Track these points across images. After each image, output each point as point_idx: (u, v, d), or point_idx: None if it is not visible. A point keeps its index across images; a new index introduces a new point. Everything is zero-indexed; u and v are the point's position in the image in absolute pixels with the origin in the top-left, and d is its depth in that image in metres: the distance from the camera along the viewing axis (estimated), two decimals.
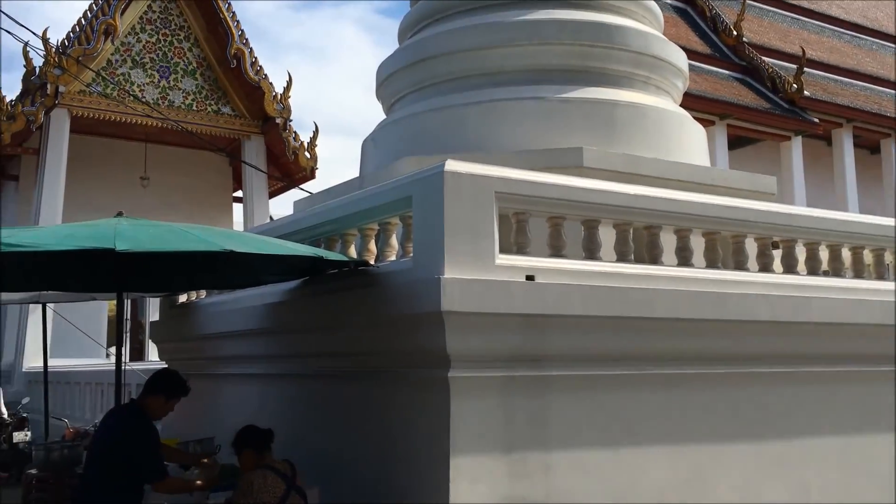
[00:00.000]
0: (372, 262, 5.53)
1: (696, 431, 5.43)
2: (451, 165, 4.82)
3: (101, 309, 19.04)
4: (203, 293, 8.28)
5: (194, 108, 19.21)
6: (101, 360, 16.93)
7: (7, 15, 10.11)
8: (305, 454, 5.84)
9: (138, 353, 19.90)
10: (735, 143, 22.78)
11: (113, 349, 18.49)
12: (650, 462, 5.22)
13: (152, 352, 19.92)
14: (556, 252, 5.26)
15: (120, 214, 4.99)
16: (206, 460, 5.31)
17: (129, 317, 20.64)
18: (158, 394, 4.84)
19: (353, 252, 5.86)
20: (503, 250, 4.94)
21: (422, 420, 4.88)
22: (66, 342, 16.62)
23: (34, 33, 19.89)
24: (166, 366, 5.32)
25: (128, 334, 20.25)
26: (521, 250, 5.11)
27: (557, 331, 4.94)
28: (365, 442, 5.42)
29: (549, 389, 4.98)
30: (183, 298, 8.52)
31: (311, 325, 6.02)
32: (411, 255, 5.05)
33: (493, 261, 4.83)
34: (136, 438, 4.58)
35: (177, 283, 6.92)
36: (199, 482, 4.99)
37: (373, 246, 5.71)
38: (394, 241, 5.53)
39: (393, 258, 5.47)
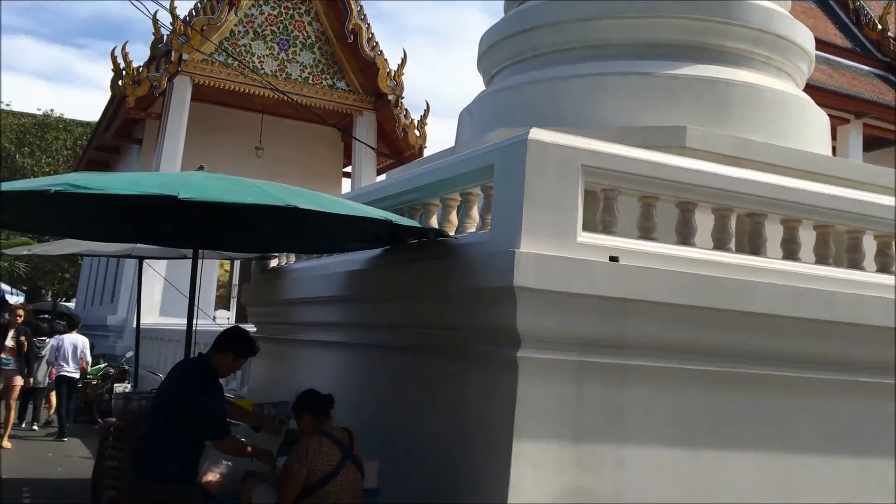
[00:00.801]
0: (452, 233, 5.33)
1: (789, 440, 4.96)
2: (536, 134, 4.54)
3: (211, 272, 19.71)
4: (293, 258, 8.31)
5: (310, 81, 19.49)
6: (208, 321, 17.48)
7: None
8: (370, 426, 5.72)
9: (243, 318, 20.46)
10: (872, 143, 21.26)
11: (218, 313, 19.21)
12: (734, 467, 4.80)
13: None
14: (646, 234, 4.90)
15: (201, 168, 4.94)
16: (269, 423, 5.24)
17: (237, 281, 21.31)
18: (227, 351, 4.79)
19: (434, 222, 5.68)
20: (587, 228, 4.63)
21: (488, 400, 4.65)
22: (177, 303, 17.25)
23: (161, 5, 20.56)
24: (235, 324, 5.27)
25: (235, 299, 20.88)
26: (606, 229, 4.78)
27: (641, 317, 4.59)
28: (429, 418, 5.24)
29: (628, 379, 4.64)
30: (274, 263, 8.59)
31: (386, 295, 5.88)
32: (490, 227, 4.81)
33: (574, 238, 4.53)
34: (200, 393, 4.54)
35: (259, 244, 6.91)
36: (255, 449, 4.90)
37: (454, 217, 5.51)
38: (475, 212, 5.31)
39: (472, 230, 5.24)
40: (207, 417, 4.50)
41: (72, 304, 29.87)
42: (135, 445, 4.98)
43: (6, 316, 11.49)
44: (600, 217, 4.83)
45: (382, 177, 22.78)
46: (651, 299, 4.54)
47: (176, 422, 4.51)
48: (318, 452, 4.45)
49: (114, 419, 6.49)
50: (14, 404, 11.15)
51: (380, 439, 5.61)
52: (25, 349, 11.15)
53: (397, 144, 20.46)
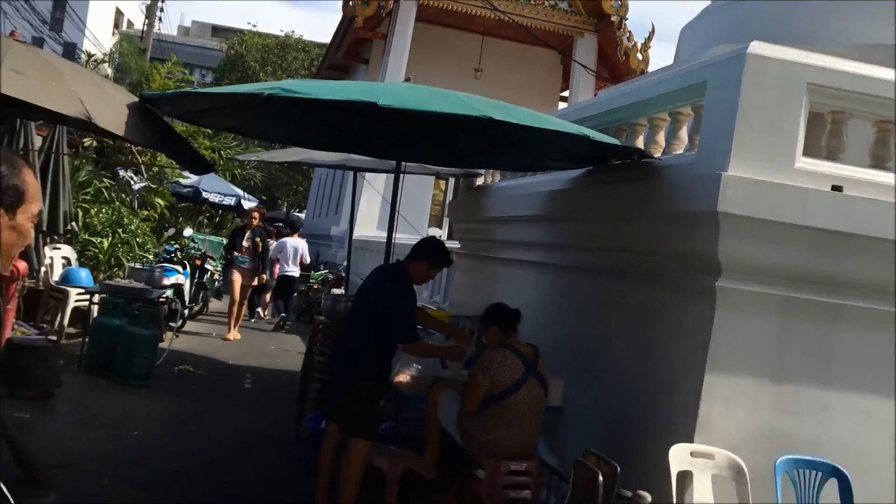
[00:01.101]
0: (657, 154, 5.07)
1: None
2: (757, 48, 4.16)
3: (426, 190, 20.36)
4: (498, 176, 8.35)
5: (532, 2, 19.16)
6: (416, 237, 18.13)
7: None
8: (559, 345, 5.70)
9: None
10: None
11: (431, 230, 19.87)
12: None
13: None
14: (879, 163, 4.38)
15: (408, 80, 5.01)
16: (460, 330, 5.38)
17: (450, 199, 21.84)
18: (423, 260, 4.93)
19: (640, 143, 5.43)
20: (807, 153, 4.22)
21: (681, 330, 4.45)
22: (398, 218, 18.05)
23: None
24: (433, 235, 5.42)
25: (447, 217, 21.44)
26: (831, 155, 4.32)
27: (862, 254, 4.16)
28: (618, 343, 5.12)
29: (840, 320, 4.26)
30: (480, 181, 8.68)
31: (586, 216, 5.75)
32: (697, 148, 4.51)
33: (792, 163, 4.15)
34: (393, 296, 4.72)
35: (461, 159, 6.96)
36: (442, 348, 5.06)
37: (661, 137, 5.23)
38: (683, 133, 5.00)
39: (680, 151, 4.95)
40: (398, 321, 4.67)
41: (302, 215, 32.18)
42: (336, 340, 5.30)
43: (243, 219, 12.52)
44: (825, 142, 4.38)
45: None
46: (876, 235, 4.09)
47: (371, 322, 4.74)
48: (501, 365, 4.50)
49: (323, 318, 6.94)
50: (245, 301, 11.85)
51: (567, 359, 5.58)
52: (260, 249, 11.58)
53: (618, 68, 19.71)
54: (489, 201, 7.99)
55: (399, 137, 5.36)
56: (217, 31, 58.97)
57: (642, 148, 5.20)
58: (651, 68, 19.52)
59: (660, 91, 4.99)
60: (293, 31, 43.96)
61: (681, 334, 4.42)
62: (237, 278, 11.33)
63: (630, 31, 19.14)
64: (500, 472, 4.50)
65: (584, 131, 4.25)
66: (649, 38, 19.41)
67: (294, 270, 13.66)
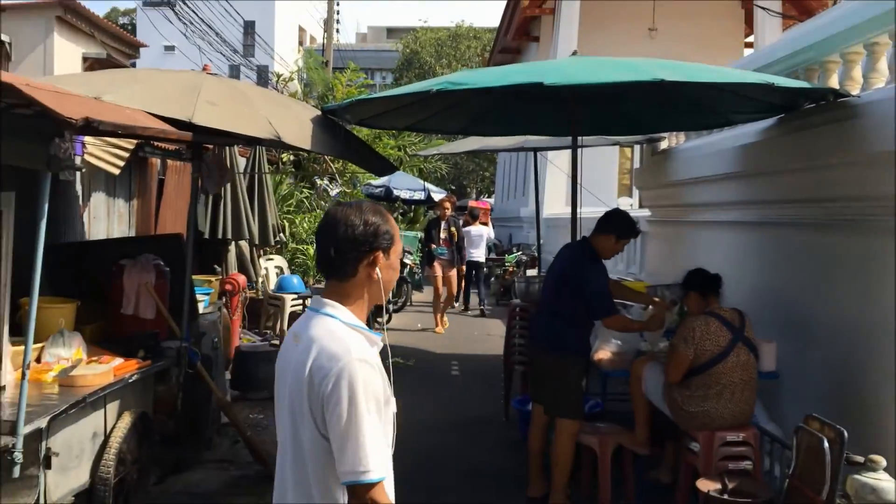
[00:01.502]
0: (855, 92, 4.67)
1: None
2: None
3: (612, 160, 19.94)
4: (682, 138, 8.03)
5: None
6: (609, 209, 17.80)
7: None
8: (766, 307, 5.41)
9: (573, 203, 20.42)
10: None
11: (621, 200, 19.45)
12: None
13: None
14: None
15: (575, 53, 4.94)
16: (657, 299, 5.24)
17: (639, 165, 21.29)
18: (609, 233, 4.85)
19: (833, 82, 5.02)
20: None
21: None
22: (582, 193, 17.86)
23: None
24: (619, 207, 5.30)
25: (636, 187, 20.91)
26: None
27: None
28: (830, 298, 4.77)
29: None
30: (664, 145, 8.38)
31: (781, 168, 5.40)
32: None
33: None
34: (586, 273, 4.69)
35: (638, 125, 6.76)
36: (641, 321, 4.96)
37: (857, 73, 4.81)
38: (882, 64, 4.56)
39: (881, 85, 4.52)
40: (593, 297, 4.63)
41: (491, 200, 32.60)
42: (531, 322, 5.35)
43: (436, 211, 12.73)
44: None
45: None
46: None
47: (566, 301, 4.73)
48: (705, 333, 4.34)
49: (518, 300, 7.02)
50: (453, 292, 11.89)
51: (777, 321, 5.28)
52: (456, 238, 11.62)
53: (807, 4, 18.25)
54: (676, 165, 7.71)
55: (573, 112, 5.29)
56: (392, 32, 60.93)
57: (837, 87, 4.81)
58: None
59: (851, 23, 4.58)
60: (463, 21, 44.57)
61: None
62: (438, 271, 11.45)
63: None
64: (716, 444, 4.36)
65: (766, 79, 4.00)
66: None
67: (479, 256, 13.91)
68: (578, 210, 5.53)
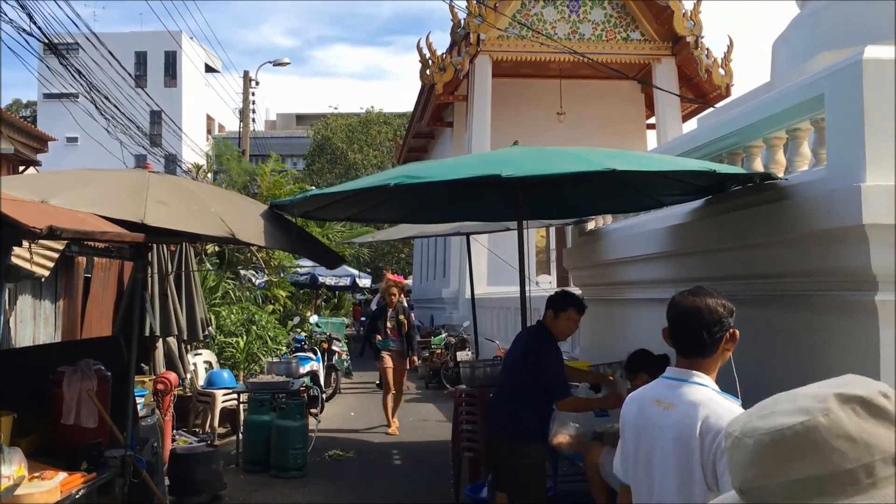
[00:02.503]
0: (780, 174, 4.98)
1: None
2: (873, 52, 4.06)
3: (529, 239, 20.39)
4: (609, 219, 8.32)
5: (604, 38, 19.23)
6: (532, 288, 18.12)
7: None
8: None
9: (564, 281, 20.92)
10: None
11: (540, 278, 19.84)
12: None
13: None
14: None
15: (515, 143, 5.12)
16: (611, 377, 5.33)
17: (554, 246, 21.84)
18: (557, 312, 4.95)
19: (758, 165, 5.35)
20: None
21: (843, 350, 4.29)
22: (500, 273, 18.13)
23: None
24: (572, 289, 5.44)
25: (554, 263, 21.41)
26: None
27: None
28: (777, 371, 4.96)
29: None
30: (591, 226, 8.66)
31: (713, 247, 5.65)
32: (825, 163, 4.41)
33: None
34: (543, 356, 4.75)
35: (577, 209, 7.00)
36: (599, 399, 5.04)
37: (781, 157, 5.14)
38: (805, 148, 4.89)
39: (805, 168, 4.84)
40: (549, 379, 4.69)
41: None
42: (486, 408, 5.35)
43: (378, 300, 11.74)
44: None
45: (689, 123, 21.89)
46: None
47: (523, 384, 4.77)
48: None
49: (464, 386, 7.00)
50: (402, 387, 10.75)
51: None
52: (406, 328, 10.40)
53: (701, 87, 19.46)
54: (605, 244, 7.95)
55: (520, 199, 5.44)
56: (301, 118, 61.43)
57: (762, 170, 5.12)
58: (735, 81, 19.21)
59: (774, 110, 4.91)
60: (373, 107, 45.44)
61: (846, 355, 4.26)
62: (388, 363, 10.28)
63: (708, 49, 18.90)
64: None
65: (708, 166, 4.23)
66: (729, 52, 19.12)
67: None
68: (527, 290, 5.61)
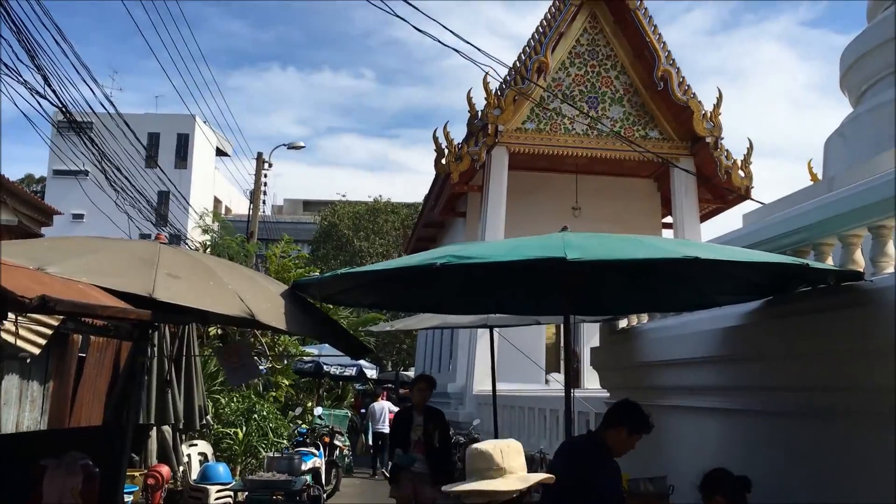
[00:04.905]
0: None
1: None
2: None
3: (539, 337, 19.78)
4: (644, 318, 7.79)
5: (622, 134, 19.13)
6: (541, 386, 17.45)
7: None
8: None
9: (574, 381, 20.20)
10: None
11: (552, 375, 19.14)
12: None
13: (588, 380, 20.15)
14: None
15: (565, 229, 4.65)
16: None
17: (563, 343, 21.22)
18: (619, 426, 4.35)
19: (830, 264, 4.86)
20: None
21: None
22: (510, 368, 17.46)
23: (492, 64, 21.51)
24: (626, 398, 4.85)
25: (562, 362, 20.74)
26: None
27: None
28: (838, 495, 4.33)
29: None
30: (623, 324, 8.13)
31: (777, 353, 5.10)
32: None
33: None
34: (603, 475, 4.13)
35: (623, 306, 6.49)
36: None
37: (859, 256, 4.65)
38: (890, 248, 4.41)
39: (890, 270, 4.35)
40: (605, 501, 4.06)
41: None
42: None
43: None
44: None
45: (707, 224, 21.62)
46: None
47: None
48: None
49: None
50: None
51: None
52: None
53: (719, 188, 19.27)
54: (640, 344, 7.39)
55: (568, 291, 4.93)
56: (308, 205, 61.64)
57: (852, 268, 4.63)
58: (755, 184, 18.99)
59: (854, 205, 4.46)
60: (381, 196, 45.54)
61: None
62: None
63: (728, 150, 18.76)
64: None
65: (799, 261, 3.73)
66: (749, 154, 18.97)
67: (385, 427, 16.07)
68: (572, 393, 5.00)
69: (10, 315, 4.89)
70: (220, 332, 10.94)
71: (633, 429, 4.31)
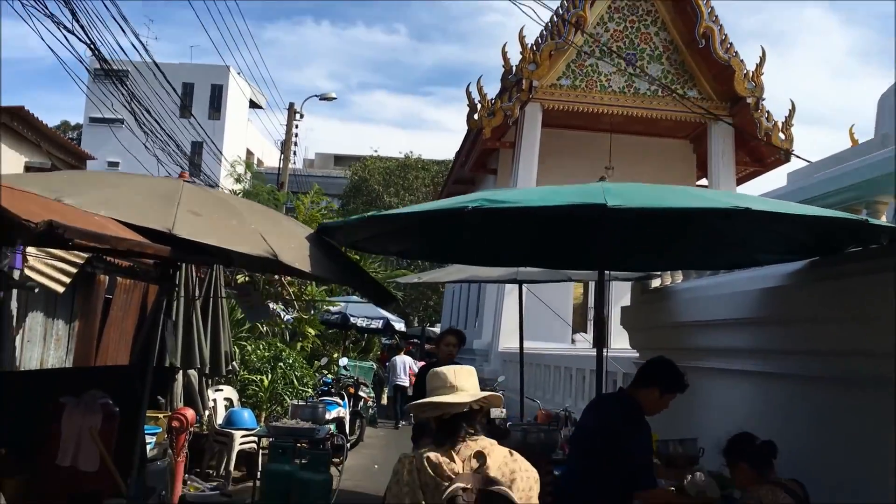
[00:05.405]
0: None
1: None
2: None
3: (567, 296, 19.58)
4: (678, 277, 7.58)
5: (659, 93, 18.65)
6: (567, 345, 17.32)
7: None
8: (809, 475, 4.74)
9: (600, 340, 20.00)
10: None
11: (578, 335, 18.99)
12: None
13: (615, 340, 19.98)
14: None
15: (602, 179, 4.43)
16: (698, 477, 4.49)
17: (592, 304, 21.02)
18: (652, 386, 4.17)
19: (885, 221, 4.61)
20: None
21: None
22: (536, 326, 17.29)
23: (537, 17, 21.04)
24: (660, 355, 4.64)
25: (590, 321, 20.57)
26: None
27: None
28: (880, 468, 4.14)
29: None
30: (656, 283, 7.92)
31: (821, 316, 4.87)
32: None
33: None
34: (632, 434, 3.97)
35: (659, 263, 6.27)
36: (684, 498, 4.23)
37: None
38: None
39: None
40: (639, 463, 3.91)
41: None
42: (552, 485, 4.57)
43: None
44: None
45: (743, 187, 21.12)
46: None
47: (597, 463, 4.00)
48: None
49: None
50: None
51: (810, 490, 4.61)
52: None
53: (759, 151, 18.77)
54: (674, 305, 7.19)
55: (602, 243, 4.73)
56: (339, 160, 61.51)
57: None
58: (795, 146, 18.46)
59: None
60: (411, 153, 45.24)
61: None
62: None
63: (769, 111, 18.21)
64: None
65: (858, 217, 3.50)
66: (790, 116, 18.40)
67: (404, 380, 16.97)
68: (605, 351, 4.82)
69: (31, 249, 4.81)
70: (247, 278, 10.89)
71: (667, 388, 4.13)
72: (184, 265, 7.16)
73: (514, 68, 18.62)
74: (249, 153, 51.81)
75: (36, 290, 4.99)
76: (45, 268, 5.31)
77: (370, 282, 4.89)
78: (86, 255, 5.59)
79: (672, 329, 7.30)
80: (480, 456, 2.68)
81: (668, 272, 7.59)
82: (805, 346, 5.17)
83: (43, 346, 5.95)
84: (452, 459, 2.67)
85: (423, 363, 17.54)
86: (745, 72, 18.10)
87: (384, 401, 19.15)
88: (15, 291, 5.24)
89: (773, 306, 5.42)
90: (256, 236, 3.76)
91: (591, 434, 4.15)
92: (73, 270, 5.54)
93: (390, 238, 5.24)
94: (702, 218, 4.86)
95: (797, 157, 16.55)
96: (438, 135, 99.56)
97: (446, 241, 5.67)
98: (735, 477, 4.03)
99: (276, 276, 11.36)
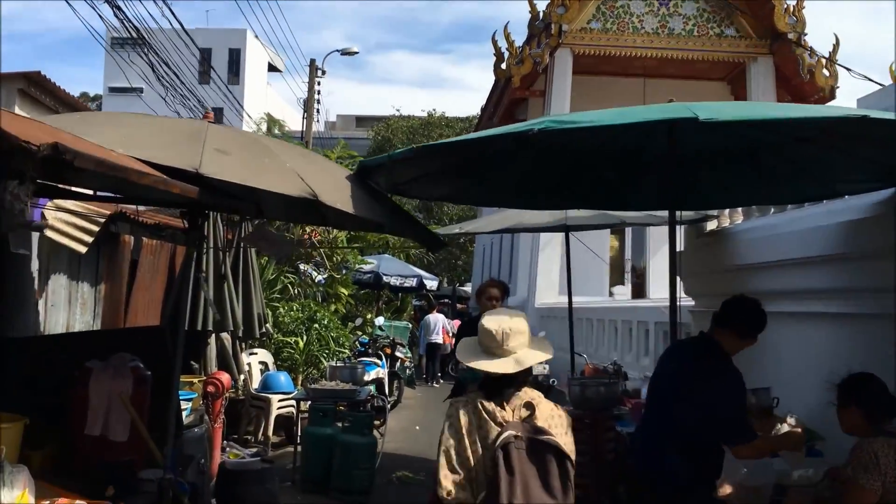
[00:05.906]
0: None
1: None
2: None
3: (603, 249, 19.11)
4: (738, 218, 7.08)
5: (695, 33, 17.87)
6: (605, 298, 16.89)
7: None
8: None
9: (638, 292, 19.57)
10: None
11: (616, 288, 18.51)
12: None
13: (653, 290, 19.45)
14: None
15: (671, 101, 3.94)
16: (790, 422, 4.07)
17: (628, 256, 20.49)
18: (731, 328, 3.73)
19: None
20: None
21: None
22: (573, 280, 16.91)
23: None
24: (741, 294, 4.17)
25: (629, 273, 20.09)
26: None
27: None
28: None
29: None
30: (712, 225, 7.43)
31: None
32: None
33: None
34: (720, 387, 3.54)
35: (728, 198, 5.80)
36: (774, 442, 3.82)
37: None
38: None
39: None
40: (731, 415, 3.48)
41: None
42: (632, 444, 4.17)
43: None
44: None
45: None
46: None
47: (681, 416, 3.58)
48: (892, 460, 3.20)
49: (571, 408, 5.84)
50: None
51: None
52: None
53: (801, 89, 17.93)
54: (733, 247, 6.71)
55: (671, 180, 4.26)
56: (361, 121, 60.92)
57: None
58: (840, 84, 17.65)
59: None
60: (434, 110, 44.54)
61: None
62: None
63: (811, 47, 17.37)
64: None
65: None
66: (834, 51, 17.54)
67: (438, 339, 16.82)
68: (678, 302, 4.35)
69: (50, 208, 4.44)
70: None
71: (748, 330, 3.70)
72: (212, 219, 6.78)
73: (540, 14, 17.93)
74: (271, 118, 51.42)
75: (43, 230, 4.62)
76: (65, 227, 4.96)
77: (416, 225, 4.46)
78: (107, 213, 5.22)
79: (732, 272, 6.83)
80: (530, 406, 2.78)
81: (727, 211, 7.12)
82: (886, 283, 4.69)
83: (69, 309, 5.64)
84: (503, 408, 2.79)
85: (457, 322, 17.28)
86: (785, 6, 17.25)
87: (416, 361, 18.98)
88: (35, 251, 4.89)
89: (852, 241, 4.93)
90: (293, 175, 3.35)
91: (664, 383, 3.73)
92: (95, 229, 5.19)
93: (434, 181, 4.81)
94: (778, 146, 4.38)
95: (869, 79, 15.64)
96: (459, 93, 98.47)
97: (492, 185, 5.23)
98: (842, 421, 3.57)
99: (306, 236, 10.99)
